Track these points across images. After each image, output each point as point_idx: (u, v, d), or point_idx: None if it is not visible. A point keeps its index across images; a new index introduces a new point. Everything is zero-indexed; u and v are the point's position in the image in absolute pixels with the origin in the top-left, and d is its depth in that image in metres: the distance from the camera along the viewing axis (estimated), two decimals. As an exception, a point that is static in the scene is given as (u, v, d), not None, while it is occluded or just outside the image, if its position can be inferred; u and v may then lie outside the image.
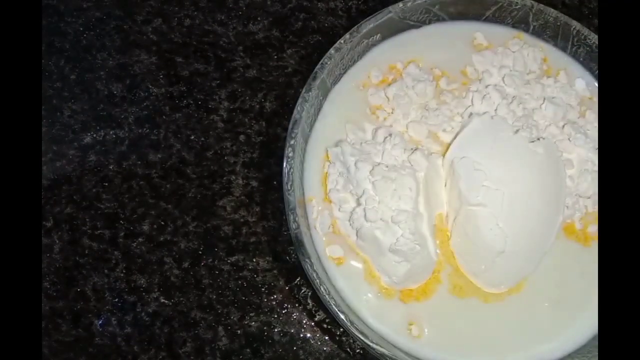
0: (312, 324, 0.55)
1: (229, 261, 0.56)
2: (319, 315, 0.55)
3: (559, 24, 0.55)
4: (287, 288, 0.56)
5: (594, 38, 0.54)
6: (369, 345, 0.44)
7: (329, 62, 0.50)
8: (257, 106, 0.62)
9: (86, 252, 0.56)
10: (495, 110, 0.52)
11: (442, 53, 0.56)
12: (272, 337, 0.54)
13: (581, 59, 0.57)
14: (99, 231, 0.56)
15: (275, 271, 0.56)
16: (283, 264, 0.56)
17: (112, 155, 0.59)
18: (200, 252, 0.56)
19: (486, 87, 0.53)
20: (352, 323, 0.44)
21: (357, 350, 0.54)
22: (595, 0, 0.68)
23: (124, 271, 0.55)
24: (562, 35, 0.56)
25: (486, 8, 0.56)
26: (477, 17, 0.57)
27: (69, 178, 0.58)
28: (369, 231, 0.47)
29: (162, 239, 0.57)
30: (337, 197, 0.49)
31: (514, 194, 0.47)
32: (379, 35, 0.54)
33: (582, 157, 0.51)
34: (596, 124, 0.53)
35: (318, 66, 0.50)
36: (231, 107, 0.61)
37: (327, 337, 0.55)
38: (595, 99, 0.55)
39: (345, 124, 0.52)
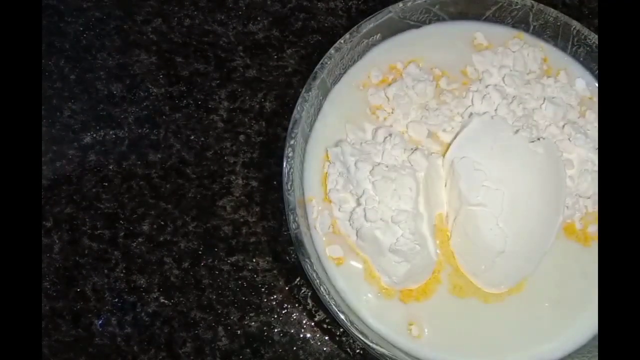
0: (312, 324, 0.55)
1: (229, 261, 0.56)
2: (319, 315, 0.55)
3: (559, 24, 0.55)
4: (287, 288, 0.56)
5: (594, 38, 0.54)
6: (369, 345, 0.44)
7: (329, 62, 0.50)
8: (257, 106, 0.62)
9: (86, 252, 0.56)
10: (495, 110, 0.52)
11: (442, 53, 0.56)
12: (272, 337, 0.54)
13: (581, 59, 0.57)
14: (99, 231, 0.56)
15: (275, 271, 0.56)
16: (283, 264, 0.56)
17: (112, 155, 0.59)
18: (200, 252, 0.56)
19: (486, 87, 0.53)
20: (352, 323, 0.44)
21: (357, 350, 0.54)
22: (595, 0, 0.68)
23: (124, 271, 0.55)
24: (562, 35, 0.56)
25: (486, 8, 0.56)
26: (477, 17, 0.57)
27: (69, 178, 0.58)
28: (369, 231, 0.47)
29: (162, 239, 0.57)
30: (337, 197, 0.49)
31: (514, 194, 0.47)
32: (379, 35, 0.54)
33: (582, 157, 0.51)
34: (596, 124, 0.53)
35: (318, 66, 0.50)
36: (231, 107, 0.61)
37: (327, 337, 0.55)
38: (595, 99, 0.55)
39: (345, 124, 0.52)
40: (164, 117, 0.61)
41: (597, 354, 0.46)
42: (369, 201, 0.47)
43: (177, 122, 0.61)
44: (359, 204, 0.48)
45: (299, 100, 0.49)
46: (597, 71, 0.55)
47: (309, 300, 0.56)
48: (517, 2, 0.55)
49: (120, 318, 0.54)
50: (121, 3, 0.65)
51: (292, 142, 0.48)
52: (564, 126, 0.52)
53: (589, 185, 0.50)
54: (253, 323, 0.55)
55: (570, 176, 0.51)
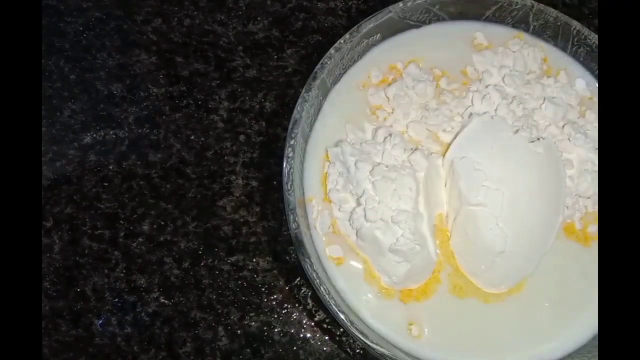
0: (312, 324, 0.55)
1: (229, 261, 0.56)
2: (319, 315, 0.55)
3: (559, 23, 0.55)
4: (287, 288, 0.56)
5: (594, 38, 0.54)
6: (369, 345, 0.44)
7: (329, 62, 0.50)
8: (257, 106, 0.62)
9: (86, 252, 0.56)
10: (495, 110, 0.52)
11: (442, 53, 0.56)
12: (272, 337, 0.54)
13: (581, 59, 0.56)
14: (99, 231, 0.56)
15: (275, 271, 0.56)
16: (283, 264, 0.56)
17: (112, 155, 0.59)
18: (200, 252, 0.56)
19: (486, 87, 0.53)
20: (352, 323, 0.44)
21: (357, 350, 0.54)
22: (595, 0, 0.68)
23: (124, 271, 0.55)
24: (562, 35, 0.56)
25: (486, 8, 0.56)
26: (477, 17, 0.57)
27: (69, 178, 0.58)
28: (369, 231, 0.47)
29: (162, 239, 0.57)
30: (337, 197, 0.49)
31: (514, 194, 0.47)
32: (379, 35, 0.54)
33: (582, 157, 0.51)
34: (596, 124, 0.53)
35: (318, 66, 0.50)
36: (231, 107, 0.61)
37: (327, 337, 0.55)
38: (595, 99, 0.55)
39: (345, 124, 0.52)
40: (164, 117, 0.61)
41: (597, 354, 0.46)
42: (369, 201, 0.47)
43: (177, 122, 0.61)
44: (359, 204, 0.48)
45: (299, 100, 0.49)
46: (597, 71, 0.55)
47: (309, 300, 0.56)
48: (517, 2, 0.55)
49: (120, 318, 0.54)
50: (121, 3, 0.65)
51: (292, 142, 0.48)
52: (563, 126, 0.52)
53: (589, 185, 0.50)
54: (253, 323, 0.55)
55: (570, 176, 0.51)
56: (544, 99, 0.53)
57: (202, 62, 0.63)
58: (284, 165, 0.47)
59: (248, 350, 0.54)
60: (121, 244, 0.56)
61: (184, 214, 0.57)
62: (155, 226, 0.57)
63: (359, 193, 0.48)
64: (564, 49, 0.57)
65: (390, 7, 0.53)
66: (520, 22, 0.57)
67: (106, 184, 0.58)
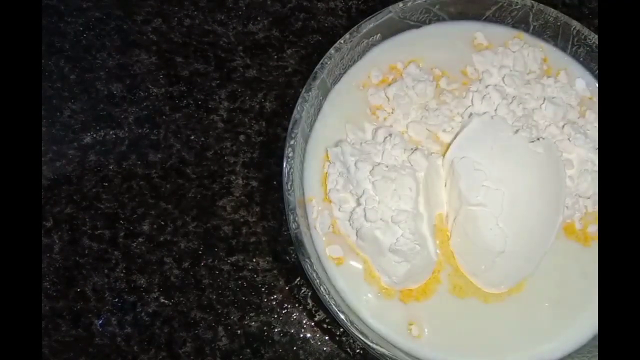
0: (312, 324, 0.55)
1: (229, 261, 0.56)
2: (319, 315, 0.55)
3: (559, 24, 0.55)
4: (287, 288, 0.56)
5: (594, 38, 0.54)
6: (369, 345, 0.44)
7: (329, 62, 0.50)
8: (257, 106, 0.62)
9: (86, 252, 0.56)
10: (495, 110, 0.52)
11: (442, 53, 0.56)
12: (272, 337, 0.54)
13: (581, 59, 0.56)
14: (99, 231, 0.56)
15: (275, 271, 0.56)
16: (283, 264, 0.56)
17: (112, 155, 0.59)
18: (200, 252, 0.56)
19: (486, 87, 0.53)
20: (352, 323, 0.44)
21: (357, 350, 0.54)
22: (595, 0, 0.68)
23: (124, 271, 0.55)
24: (562, 35, 0.56)
25: (486, 8, 0.56)
26: (477, 17, 0.57)
27: (69, 178, 0.58)
28: (369, 231, 0.47)
29: (162, 239, 0.57)
30: (337, 197, 0.49)
31: (514, 194, 0.47)
32: (379, 35, 0.54)
33: (582, 157, 0.51)
34: (596, 124, 0.53)
35: (318, 66, 0.50)
36: (231, 107, 0.61)
37: (327, 337, 0.55)
38: (595, 99, 0.55)
39: (345, 124, 0.52)
40: (164, 117, 0.61)
41: (597, 354, 0.46)
42: (369, 201, 0.47)
43: (177, 122, 0.61)
44: (359, 204, 0.48)
45: (299, 100, 0.49)
46: (597, 71, 0.55)
47: (309, 300, 0.56)
48: (517, 2, 0.55)
49: (120, 318, 0.54)
50: (121, 3, 0.65)
51: (292, 142, 0.48)
52: (563, 126, 0.52)
53: (589, 185, 0.50)
54: (253, 323, 0.55)
55: (570, 176, 0.51)
56: (544, 99, 0.53)
57: (202, 62, 0.63)
58: (284, 165, 0.47)
59: (248, 350, 0.54)
60: (121, 244, 0.56)
61: (184, 214, 0.57)
62: (155, 226, 0.57)
63: (359, 193, 0.48)
64: (564, 49, 0.57)
65: (390, 7, 0.53)
66: (520, 22, 0.57)
67: (106, 184, 0.58)
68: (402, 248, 0.46)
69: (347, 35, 0.51)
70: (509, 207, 0.47)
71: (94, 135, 0.60)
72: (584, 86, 0.55)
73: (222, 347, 0.54)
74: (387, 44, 0.55)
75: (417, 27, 0.56)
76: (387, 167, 0.48)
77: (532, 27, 0.57)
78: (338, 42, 0.51)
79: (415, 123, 0.52)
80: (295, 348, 0.54)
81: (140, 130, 0.60)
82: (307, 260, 0.45)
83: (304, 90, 0.49)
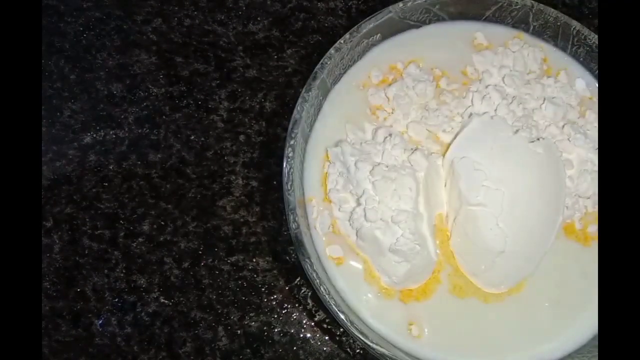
0: (312, 324, 0.55)
1: (229, 261, 0.56)
2: (319, 315, 0.55)
3: (559, 24, 0.55)
4: (287, 288, 0.56)
5: (594, 38, 0.54)
6: (369, 345, 0.44)
7: (329, 62, 0.50)
8: (257, 106, 0.62)
9: (86, 252, 0.56)
10: (495, 110, 0.52)
11: (442, 53, 0.56)
12: (272, 337, 0.54)
13: (581, 59, 0.57)
14: (99, 231, 0.56)
15: (275, 271, 0.56)
16: (283, 264, 0.56)
17: (112, 155, 0.59)
18: (200, 252, 0.56)
19: (486, 87, 0.53)
20: (352, 323, 0.44)
21: (357, 350, 0.54)
22: (595, 0, 0.68)
23: (124, 271, 0.55)
24: (562, 35, 0.56)
25: (486, 8, 0.56)
26: (477, 17, 0.57)
27: (69, 178, 0.58)
28: (369, 231, 0.47)
29: (162, 239, 0.57)
30: (337, 197, 0.49)
31: (514, 194, 0.47)
32: (379, 35, 0.54)
33: (581, 157, 0.51)
34: (596, 124, 0.53)
35: (318, 66, 0.50)
36: (231, 107, 0.61)
37: (327, 337, 0.55)
38: (595, 99, 0.55)
39: (345, 124, 0.52)
40: (164, 117, 0.61)
41: (597, 354, 0.46)
42: (369, 201, 0.47)
43: (177, 122, 0.61)
44: (359, 204, 0.48)
45: (299, 100, 0.49)
46: (597, 71, 0.55)
47: (309, 300, 0.56)
48: (517, 2, 0.55)
49: (120, 318, 0.54)
50: (121, 3, 0.65)
51: (292, 142, 0.48)
52: (563, 126, 0.52)
53: (589, 185, 0.50)
54: (253, 323, 0.55)
55: (570, 176, 0.51)
56: (544, 99, 0.53)
57: (202, 62, 0.63)
58: (284, 165, 0.47)
59: (248, 350, 0.54)
60: (121, 244, 0.56)
61: (184, 214, 0.57)
62: (155, 226, 0.57)
63: (359, 193, 0.48)
64: (564, 49, 0.57)
65: (390, 7, 0.53)
66: (520, 22, 0.57)
67: (106, 184, 0.58)
68: (402, 248, 0.46)
69: (347, 35, 0.51)
70: (509, 207, 0.47)
71: (94, 135, 0.60)
72: (584, 86, 0.55)
73: (222, 347, 0.54)
74: (387, 44, 0.55)
75: (417, 27, 0.56)
76: (387, 167, 0.48)
77: (532, 27, 0.57)
78: (338, 42, 0.51)
79: (415, 123, 0.52)
80: (295, 348, 0.54)
81: (140, 130, 0.60)
82: (307, 260, 0.45)
83: (304, 90, 0.49)
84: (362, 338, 0.44)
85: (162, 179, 0.58)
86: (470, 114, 0.52)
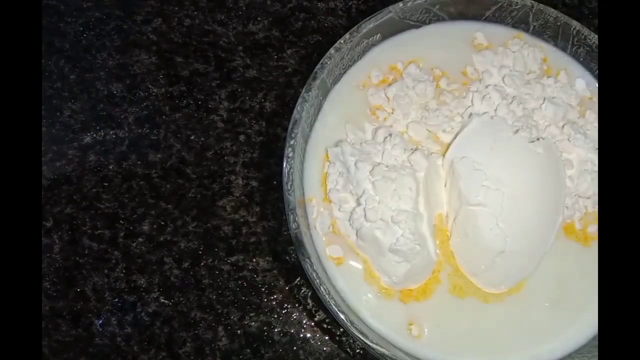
0: (312, 324, 0.55)
1: (229, 261, 0.56)
2: (319, 315, 0.55)
3: (559, 24, 0.55)
4: (287, 288, 0.56)
5: (594, 38, 0.54)
6: (369, 345, 0.44)
7: (329, 62, 0.50)
8: (257, 106, 0.62)
9: (86, 252, 0.56)
10: (495, 110, 0.52)
11: (443, 53, 0.56)
12: (272, 337, 0.54)
13: (581, 59, 0.57)
14: (99, 231, 0.56)
15: (275, 271, 0.56)
16: (283, 264, 0.56)
17: (112, 155, 0.59)
18: (200, 252, 0.56)
19: (486, 87, 0.53)
20: (352, 323, 0.44)
21: (357, 350, 0.54)
22: (595, 0, 0.68)
23: (124, 271, 0.55)
24: (562, 35, 0.56)
25: (486, 8, 0.56)
26: (477, 17, 0.57)
27: (69, 178, 0.58)
28: (369, 231, 0.47)
29: (162, 239, 0.57)
30: (337, 197, 0.49)
31: (514, 194, 0.47)
32: (379, 35, 0.54)
33: (581, 157, 0.51)
34: (596, 124, 0.53)
35: (318, 66, 0.50)
36: (231, 107, 0.61)
37: (327, 337, 0.55)
38: (595, 99, 0.55)
39: (345, 124, 0.52)
40: (164, 117, 0.61)
41: (597, 354, 0.46)
42: (369, 201, 0.47)
43: (177, 122, 0.61)
44: (359, 204, 0.48)
45: (299, 100, 0.49)
46: (597, 71, 0.55)
47: (309, 300, 0.56)
48: (517, 2, 0.55)
49: (120, 318, 0.54)
50: (121, 3, 0.65)
51: (292, 142, 0.48)
52: (563, 126, 0.52)
53: (589, 185, 0.50)
54: (253, 323, 0.55)
55: (570, 176, 0.51)
56: (544, 99, 0.53)
57: (202, 62, 0.63)
58: (284, 165, 0.47)
59: (248, 350, 0.54)
60: (121, 244, 0.56)
61: (184, 214, 0.57)
62: (155, 226, 0.57)
63: (359, 193, 0.48)
64: (564, 49, 0.57)
65: (390, 7, 0.53)
66: (520, 22, 0.57)
67: (106, 184, 0.58)
68: (402, 248, 0.46)
69: (347, 35, 0.51)
70: (509, 207, 0.47)
71: (94, 135, 0.60)
72: (584, 86, 0.55)
73: (222, 347, 0.54)
74: (387, 44, 0.55)
75: (417, 27, 0.56)
76: (387, 167, 0.48)
77: (532, 27, 0.57)
78: (338, 42, 0.51)
79: (415, 123, 0.52)
80: (295, 348, 0.54)
81: (140, 130, 0.60)
82: (307, 260, 0.45)
83: (304, 90, 0.49)
84: (362, 338, 0.44)
85: (162, 179, 0.58)
86: (470, 114, 0.52)
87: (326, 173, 0.50)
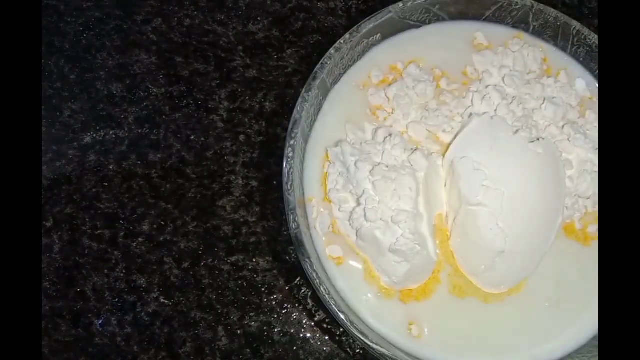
0: (312, 324, 0.55)
1: (229, 261, 0.56)
2: (319, 315, 0.55)
3: (559, 24, 0.55)
4: (287, 288, 0.56)
5: (594, 38, 0.54)
6: (369, 345, 0.44)
7: (329, 62, 0.50)
8: (257, 106, 0.62)
9: (86, 252, 0.56)
10: (495, 110, 0.52)
11: (443, 53, 0.56)
12: (272, 337, 0.54)
13: (581, 59, 0.57)
14: (99, 231, 0.56)
15: (275, 271, 0.56)
16: (283, 264, 0.56)
17: (112, 155, 0.59)
18: (200, 252, 0.56)
19: (486, 87, 0.53)
20: (352, 323, 0.44)
21: (357, 350, 0.54)
22: (595, 0, 0.68)
23: (124, 271, 0.55)
24: (562, 35, 0.56)
25: (486, 8, 0.56)
26: (477, 17, 0.57)
27: (69, 178, 0.58)
28: (369, 231, 0.47)
29: (162, 239, 0.57)
30: (337, 197, 0.49)
31: (514, 194, 0.47)
32: (379, 35, 0.54)
33: (581, 157, 0.51)
34: (596, 124, 0.53)
35: (318, 66, 0.50)
36: (231, 107, 0.61)
37: (327, 337, 0.55)
38: (595, 99, 0.55)
39: (345, 124, 0.52)
40: (164, 117, 0.61)
41: (597, 354, 0.46)
42: (369, 201, 0.47)
43: (177, 122, 0.61)
44: (359, 204, 0.48)
45: (299, 100, 0.49)
46: (597, 71, 0.55)
47: (309, 300, 0.56)
48: (517, 2, 0.55)
49: (120, 318, 0.54)
50: (121, 3, 0.65)
51: (292, 142, 0.48)
52: (563, 126, 0.52)
53: (589, 185, 0.50)
54: (253, 323, 0.55)
55: (570, 176, 0.51)
56: (544, 99, 0.53)
57: (202, 62, 0.63)
58: (284, 165, 0.47)
59: (248, 350, 0.54)
60: (121, 244, 0.56)
61: (184, 214, 0.57)
62: (155, 226, 0.57)
63: (359, 193, 0.48)
64: (564, 49, 0.57)
65: (390, 7, 0.53)
66: (520, 22, 0.57)
67: (106, 184, 0.58)
68: (402, 248, 0.46)
69: (347, 35, 0.51)
70: (509, 207, 0.47)
71: (94, 135, 0.60)
72: (584, 86, 0.55)
73: (222, 347, 0.54)
74: (387, 44, 0.55)
75: (417, 27, 0.56)
76: (387, 167, 0.48)
77: (532, 27, 0.57)
78: (338, 42, 0.51)
79: (415, 123, 0.52)
80: (295, 348, 0.54)
81: (140, 130, 0.60)
82: (307, 260, 0.45)
83: (304, 90, 0.49)
84: (362, 338, 0.44)
85: (162, 179, 0.58)
86: (470, 114, 0.52)
87: (326, 173, 0.50)
